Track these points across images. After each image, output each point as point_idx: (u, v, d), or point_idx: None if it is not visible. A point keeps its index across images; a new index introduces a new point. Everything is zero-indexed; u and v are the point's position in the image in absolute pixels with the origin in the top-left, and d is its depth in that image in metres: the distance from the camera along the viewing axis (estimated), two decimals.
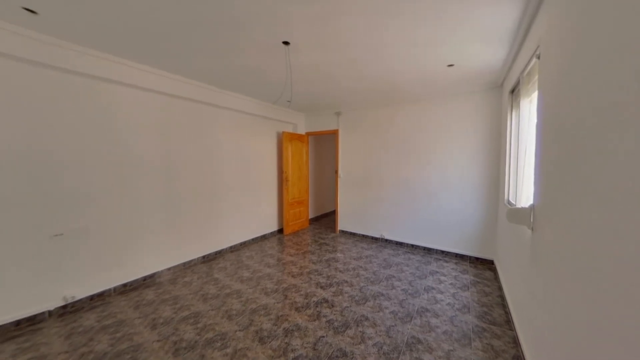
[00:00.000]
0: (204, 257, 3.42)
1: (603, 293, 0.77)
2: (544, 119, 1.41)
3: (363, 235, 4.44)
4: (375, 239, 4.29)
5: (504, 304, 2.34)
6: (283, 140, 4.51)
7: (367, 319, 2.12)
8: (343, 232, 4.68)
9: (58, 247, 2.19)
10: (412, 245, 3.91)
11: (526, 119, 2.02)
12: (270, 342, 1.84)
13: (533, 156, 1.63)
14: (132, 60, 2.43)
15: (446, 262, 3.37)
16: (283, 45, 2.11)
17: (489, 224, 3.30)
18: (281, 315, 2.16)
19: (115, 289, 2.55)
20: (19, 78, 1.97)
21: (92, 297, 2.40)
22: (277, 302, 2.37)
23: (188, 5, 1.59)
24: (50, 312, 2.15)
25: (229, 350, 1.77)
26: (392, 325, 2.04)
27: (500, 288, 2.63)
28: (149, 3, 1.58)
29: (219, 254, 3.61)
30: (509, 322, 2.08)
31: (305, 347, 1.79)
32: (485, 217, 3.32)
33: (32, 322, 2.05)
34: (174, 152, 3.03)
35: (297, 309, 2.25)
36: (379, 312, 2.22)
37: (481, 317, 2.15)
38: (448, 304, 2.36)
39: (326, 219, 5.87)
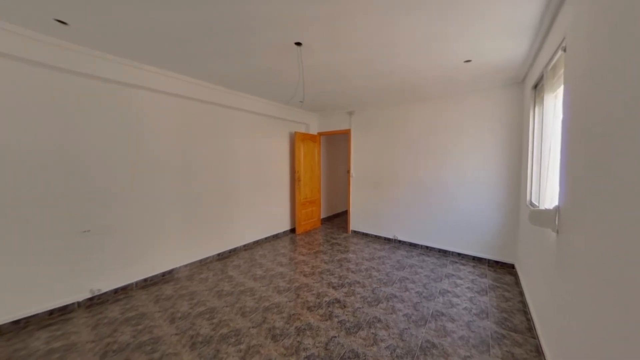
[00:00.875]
0: (219, 254, 3.52)
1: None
2: (571, 114, 1.33)
3: (376, 236, 4.39)
4: (388, 240, 4.22)
5: (525, 310, 2.22)
6: (295, 140, 4.55)
7: (379, 320, 2.09)
8: (355, 233, 4.65)
9: (86, 243, 2.34)
10: (427, 247, 3.81)
11: (551, 115, 1.91)
12: (282, 340, 1.86)
13: (558, 155, 1.54)
14: (152, 65, 2.54)
15: (463, 265, 3.25)
16: (295, 46, 2.13)
17: (509, 226, 3.15)
18: (293, 314, 2.18)
19: (137, 283, 2.68)
20: (52, 85, 2.12)
21: (116, 291, 2.54)
22: (290, 301, 2.39)
23: (203, 9, 1.64)
24: (79, 304, 2.30)
25: (242, 346, 1.81)
26: (406, 328, 1.99)
27: (521, 293, 2.51)
28: (167, 10, 1.64)
29: (233, 252, 3.70)
30: (531, 329, 1.98)
31: (317, 347, 1.79)
32: (505, 219, 3.18)
33: (63, 312, 2.20)
34: (190, 153, 3.14)
35: (309, 308, 2.26)
36: (392, 314, 2.18)
37: (501, 323, 2.06)
38: (465, 308, 2.27)
39: (338, 219, 5.86)
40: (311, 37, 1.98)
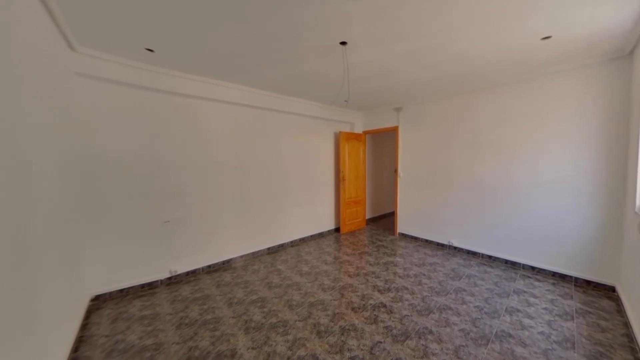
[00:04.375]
0: (268, 249, 3.78)
1: None
2: None
3: (426, 240, 4.06)
4: (441, 246, 3.85)
5: (633, 347, 1.74)
6: (340, 140, 4.55)
7: (430, 332, 1.93)
8: (403, 236, 4.39)
9: (166, 231, 2.81)
10: (490, 257, 3.34)
11: None
12: (327, 337, 1.89)
13: None
14: (214, 77, 2.89)
15: (538, 280, 2.74)
16: (340, 46, 2.12)
17: (607, 237, 2.51)
18: (337, 313, 2.19)
19: (202, 268, 3.10)
20: (140, 101, 2.61)
21: (187, 273, 2.98)
22: (334, 299, 2.41)
23: (254, 23, 1.78)
24: (161, 281, 2.78)
25: (289, 337, 1.90)
26: (462, 345, 1.79)
27: (626, 324, 1.97)
28: (224, 27, 1.84)
29: (281, 247, 3.92)
30: None
31: (361, 349, 1.76)
32: (601, 229, 2.54)
33: (150, 287, 2.70)
34: (245, 155, 3.46)
35: (353, 309, 2.24)
36: (445, 327, 1.99)
37: (594, 359, 1.66)
38: (540, 332, 1.91)
39: (384, 220, 5.63)
40: (356, 35, 1.95)
